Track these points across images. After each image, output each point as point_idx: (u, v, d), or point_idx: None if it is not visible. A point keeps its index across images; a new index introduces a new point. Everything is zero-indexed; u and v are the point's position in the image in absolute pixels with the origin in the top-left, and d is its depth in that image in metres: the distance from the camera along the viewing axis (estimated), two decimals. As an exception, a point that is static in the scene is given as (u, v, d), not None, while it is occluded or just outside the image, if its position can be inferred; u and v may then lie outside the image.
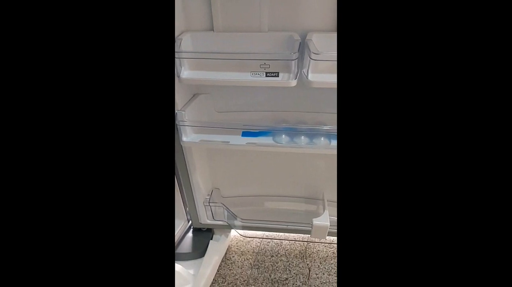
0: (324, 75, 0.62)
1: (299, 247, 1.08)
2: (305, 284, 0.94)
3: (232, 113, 0.81)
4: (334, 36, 0.64)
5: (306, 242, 1.08)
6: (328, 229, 0.88)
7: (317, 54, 0.57)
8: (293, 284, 0.94)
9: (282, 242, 1.09)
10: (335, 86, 0.61)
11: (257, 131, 0.73)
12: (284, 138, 0.72)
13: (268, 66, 0.58)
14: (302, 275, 0.97)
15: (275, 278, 0.96)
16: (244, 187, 1.01)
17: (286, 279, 0.96)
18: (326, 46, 0.64)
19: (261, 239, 1.11)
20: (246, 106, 0.80)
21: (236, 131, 0.74)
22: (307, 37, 0.62)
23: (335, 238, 1.07)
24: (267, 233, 1.11)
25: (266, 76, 0.59)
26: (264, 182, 1.00)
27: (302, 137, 0.72)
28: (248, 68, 0.60)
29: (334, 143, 0.71)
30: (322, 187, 0.98)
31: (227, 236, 1.06)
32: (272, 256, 1.04)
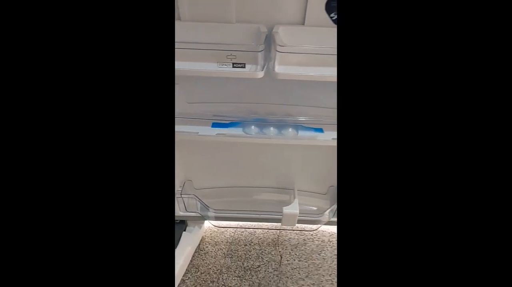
0: (291, 67, 0.64)
1: (272, 236, 1.11)
2: (276, 270, 0.98)
3: (203, 104, 0.80)
4: (301, 29, 0.66)
5: (278, 230, 1.12)
6: (298, 217, 0.92)
7: (282, 46, 0.58)
8: (265, 271, 0.98)
9: (255, 231, 1.12)
10: (301, 78, 0.63)
11: (227, 122, 0.73)
12: (253, 129, 0.74)
13: (234, 57, 0.59)
14: (274, 262, 1.01)
15: (247, 266, 0.99)
16: (216, 179, 1.02)
17: (259, 266, 0.99)
18: (293, 39, 0.66)
19: (235, 229, 1.13)
20: (216, 98, 0.80)
21: (206, 122, 0.74)
22: (274, 30, 0.63)
23: (306, 225, 1.11)
24: (241, 223, 1.13)
25: (233, 67, 0.60)
26: (236, 173, 1.02)
27: (271, 128, 0.74)
28: (215, 59, 0.60)
29: (301, 133, 0.74)
30: (293, 177, 1.02)
31: (200, 227, 1.07)
32: (246, 245, 1.07)
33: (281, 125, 0.73)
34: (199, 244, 1.06)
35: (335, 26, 0.66)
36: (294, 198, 0.94)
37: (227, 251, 1.04)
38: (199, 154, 0.94)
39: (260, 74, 0.61)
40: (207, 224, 1.11)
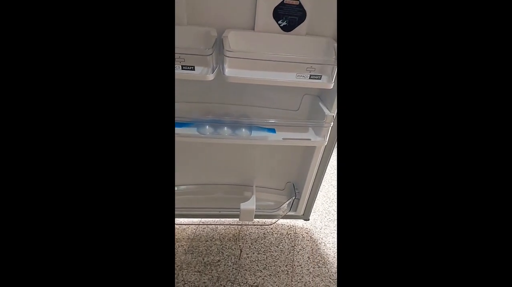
0: (241, 70, 0.66)
1: (233, 231, 1.15)
2: (235, 264, 1.02)
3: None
4: (250, 34, 0.69)
5: (239, 226, 1.16)
6: (257, 212, 0.96)
7: (230, 51, 0.61)
8: (225, 265, 1.01)
9: (217, 227, 1.15)
10: (251, 82, 0.66)
11: (182, 122, 0.75)
12: (208, 129, 0.76)
13: (183, 60, 0.60)
14: (234, 256, 1.05)
15: (208, 261, 1.02)
16: (178, 177, 1.02)
17: (219, 261, 1.02)
18: (242, 43, 0.68)
19: (196, 225, 1.14)
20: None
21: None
22: (224, 34, 0.65)
23: (266, 220, 1.16)
24: (203, 219, 1.15)
25: (182, 69, 0.61)
26: (197, 171, 1.03)
27: (225, 128, 0.76)
28: (164, 61, 0.61)
29: (254, 133, 0.78)
30: (252, 174, 1.06)
31: (161, 225, 1.07)
32: (207, 240, 1.09)
33: (235, 126, 0.76)
34: (159, 242, 1.06)
35: (283, 32, 0.70)
36: (253, 194, 0.98)
37: (188, 247, 1.06)
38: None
39: (210, 77, 0.63)
40: (169, 222, 1.12)
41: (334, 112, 0.74)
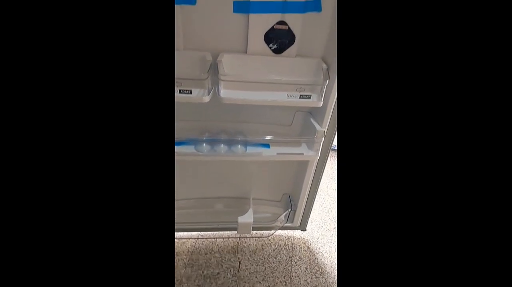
0: (235, 91, 0.70)
1: (232, 243, 1.16)
2: (235, 276, 1.03)
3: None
4: (243, 57, 0.73)
5: (238, 238, 1.18)
6: (255, 224, 0.98)
7: (224, 75, 0.65)
8: (224, 277, 1.03)
9: (216, 240, 1.17)
10: (245, 103, 0.70)
11: (180, 141, 0.78)
12: (205, 147, 0.79)
13: (181, 84, 0.64)
14: (233, 268, 1.06)
15: (207, 274, 1.03)
16: (176, 192, 1.05)
17: (218, 273, 1.04)
18: (236, 65, 0.72)
19: (196, 239, 1.16)
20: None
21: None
22: (218, 58, 0.69)
23: (264, 231, 1.19)
24: (202, 233, 1.17)
25: (180, 93, 0.65)
26: (195, 185, 1.06)
27: (222, 145, 0.80)
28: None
29: (249, 149, 0.81)
30: (249, 187, 1.08)
31: (161, 239, 1.09)
32: (206, 253, 1.11)
33: (231, 142, 0.79)
34: (159, 257, 1.08)
35: (274, 54, 0.74)
36: (250, 207, 1.00)
37: (188, 261, 1.08)
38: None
39: (206, 99, 0.67)
40: (168, 236, 1.13)
41: (325, 128, 0.78)
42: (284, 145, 0.82)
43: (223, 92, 0.68)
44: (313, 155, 0.81)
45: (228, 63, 0.70)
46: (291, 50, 0.73)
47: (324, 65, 0.72)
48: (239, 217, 0.94)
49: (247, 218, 0.94)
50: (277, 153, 0.81)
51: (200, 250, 1.13)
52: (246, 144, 0.81)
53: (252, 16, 0.67)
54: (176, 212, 1.07)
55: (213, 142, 0.79)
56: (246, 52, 0.73)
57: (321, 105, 0.72)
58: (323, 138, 0.78)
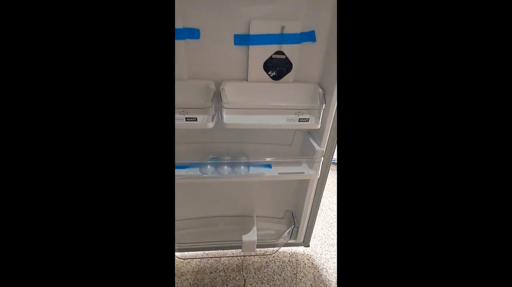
0: (238, 116, 0.74)
1: (237, 261, 1.18)
2: (240, 295, 1.04)
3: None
4: (244, 84, 0.78)
5: (242, 256, 1.19)
6: (258, 242, 1.00)
7: (227, 103, 0.69)
8: (230, 297, 1.03)
9: (220, 259, 1.18)
10: (246, 127, 0.74)
11: (184, 164, 0.81)
12: (209, 169, 0.82)
13: (187, 113, 0.68)
14: (238, 286, 1.07)
15: (213, 293, 1.04)
16: (180, 212, 1.07)
17: (223, 293, 1.04)
18: (237, 93, 0.77)
19: (200, 258, 1.17)
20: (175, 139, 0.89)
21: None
22: (221, 86, 0.74)
23: (268, 249, 1.20)
24: (206, 251, 1.18)
25: (186, 120, 0.69)
26: (200, 205, 1.08)
27: (225, 167, 0.83)
28: (170, 114, 0.69)
29: (252, 170, 0.84)
30: (252, 205, 1.11)
31: (166, 259, 1.10)
32: (211, 272, 1.12)
33: (234, 164, 0.83)
34: (165, 277, 1.08)
35: (273, 81, 0.79)
36: (254, 225, 1.03)
37: (193, 280, 1.08)
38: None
39: (210, 125, 0.71)
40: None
41: (323, 147, 0.82)
42: (285, 164, 0.86)
43: (226, 118, 0.72)
44: (313, 174, 0.85)
45: (230, 90, 0.75)
46: (289, 76, 0.78)
47: (320, 90, 0.76)
48: (243, 236, 0.96)
49: (251, 236, 0.96)
50: (279, 173, 0.84)
51: (205, 269, 1.14)
52: (248, 165, 0.84)
53: (252, 47, 0.72)
54: (180, 232, 1.09)
55: (217, 164, 0.82)
56: (247, 80, 0.78)
57: (319, 127, 0.76)
58: (323, 158, 0.82)
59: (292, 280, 1.10)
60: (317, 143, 0.84)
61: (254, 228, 0.99)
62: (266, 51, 0.74)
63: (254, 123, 0.73)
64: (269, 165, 0.86)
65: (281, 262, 1.18)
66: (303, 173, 0.84)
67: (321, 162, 0.83)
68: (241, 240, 0.97)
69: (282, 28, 0.70)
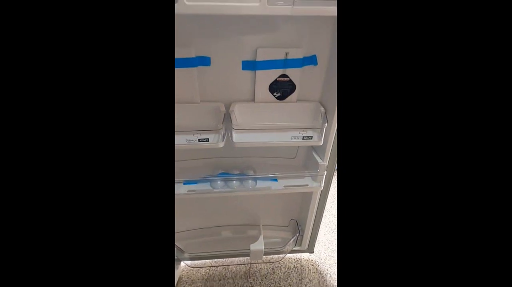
0: (246, 135, 0.80)
1: (244, 269, 1.23)
2: (249, 301, 1.09)
3: (176, 162, 0.94)
4: (251, 105, 0.84)
5: (249, 264, 1.24)
6: (265, 250, 1.05)
7: (237, 125, 0.75)
8: (239, 303, 1.08)
9: (228, 267, 1.23)
10: (255, 145, 0.80)
11: (196, 180, 0.87)
12: (219, 183, 0.88)
13: (200, 134, 0.74)
14: (247, 293, 1.12)
15: (222, 300, 1.09)
16: (190, 221, 1.13)
17: (233, 299, 1.10)
18: (245, 112, 0.83)
19: (209, 267, 1.22)
20: (185, 155, 0.94)
21: (179, 179, 0.87)
22: (231, 108, 0.80)
23: (273, 256, 1.25)
24: (215, 259, 1.23)
25: (199, 141, 0.75)
26: (208, 214, 1.14)
27: (234, 181, 0.89)
28: (184, 136, 0.74)
29: (259, 183, 0.90)
30: (258, 214, 1.16)
31: (177, 267, 1.15)
32: (220, 280, 1.17)
33: (242, 179, 0.89)
34: (176, 284, 1.13)
35: (278, 101, 0.85)
36: (260, 233, 1.08)
37: (203, 288, 1.14)
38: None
39: (221, 145, 0.77)
40: (184, 263, 1.20)
41: (326, 161, 0.88)
42: (291, 177, 0.91)
43: (236, 137, 0.78)
44: (317, 186, 0.91)
45: (238, 111, 0.81)
46: (292, 96, 0.84)
47: (322, 109, 0.82)
48: (251, 245, 1.02)
49: (258, 245, 1.01)
50: (284, 186, 0.90)
51: (214, 276, 1.19)
52: (256, 179, 0.90)
53: (258, 71, 0.79)
54: (190, 241, 1.14)
55: (226, 179, 0.88)
56: (254, 100, 0.84)
57: (321, 143, 0.82)
58: (325, 171, 0.88)
59: (298, 286, 1.15)
60: (319, 157, 0.90)
61: (261, 237, 1.05)
62: (271, 75, 0.80)
63: (261, 141, 0.79)
64: (275, 179, 0.92)
65: (286, 269, 1.23)
66: (307, 185, 0.90)
67: (324, 175, 0.89)
68: (248, 249, 1.02)
69: (286, 54, 0.76)
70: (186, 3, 0.54)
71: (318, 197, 0.98)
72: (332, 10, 0.58)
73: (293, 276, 1.20)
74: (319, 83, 0.84)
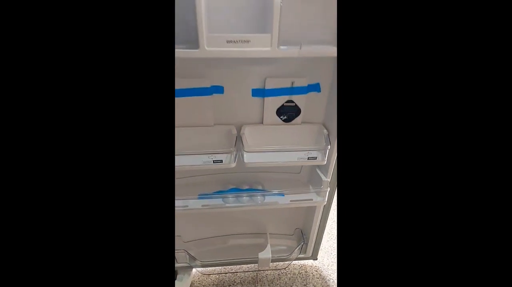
0: (255, 155, 0.88)
1: (252, 274, 1.30)
2: (257, 306, 1.17)
3: (187, 178, 1.02)
4: (260, 127, 0.92)
5: (257, 271, 1.32)
6: (272, 258, 1.13)
7: (248, 147, 0.83)
8: (247, 307, 1.16)
9: (237, 273, 1.31)
10: (264, 165, 0.87)
11: (208, 194, 0.95)
12: (231, 199, 0.96)
13: (214, 156, 0.82)
14: (254, 298, 1.20)
15: (232, 305, 1.17)
16: (201, 231, 1.21)
17: (242, 304, 1.17)
18: (255, 134, 0.91)
19: (219, 274, 1.30)
20: (198, 171, 1.02)
21: (193, 195, 0.95)
22: (242, 131, 0.88)
23: (279, 263, 1.33)
24: (225, 266, 1.31)
25: (213, 163, 0.82)
26: (218, 224, 1.22)
27: (244, 197, 0.97)
28: (200, 157, 0.82)
29: (267, 199, 0.98)
30: (265, 222, 1.24)
31: (189, 274, 1.23)
32: (229, 285, 1.25)
33: (252, 194, 0.97)
34: (189, 290, 1.22)
35: (284, 123, 0.93)
36: (267, 242, 1.16)
37: (214, 293, 1.21)
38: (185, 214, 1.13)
39: (233, 165, 0.85)
40: (195, 270, 1.28)
41: (329, 178, 0.95)
42: (296, 193, 0.99)
43: (246, 157, 0.86)
44: (321, 201, 0.98)
45: (249, 133, 0.89)
46: (298, 119, 0.92)
47: (325, 131, 0.90)
48: (259, 254, 1.09)
49: (266, 253, 1.09)
50: (291, 201, 0.97)
51: (223, 282, 1.26)
52: (264, 194, 0.98)
53: (267, 98, 0.86)
54: (202, 249, 1.22)
55: (237, 195, 0.96)
56: (263, 123, 0.92)
57: (325, 162, 0.89)
58: (329, 188, 0.95)
59: (303, 291, 1.23)
60: (323, 173, 0.97)
61: (268, 246, 1.12)
62: (278, 100, 0.88)
63: (269, 161, 0.86)
64: (282, 194, 1.00)
65: (291, 274, 1.31)
66: (312, 200, 0.98)
67: (328, 191, 0.96)
68: (255, 256, 1.10)
69: (292, 83, 0.84)
70: (207, 49, 0.62)
71: (321, 210, 1.06)
72: (333, 51, 0.65)
73: (298, 281, 1.27)
74: (322, 106, 0.92)
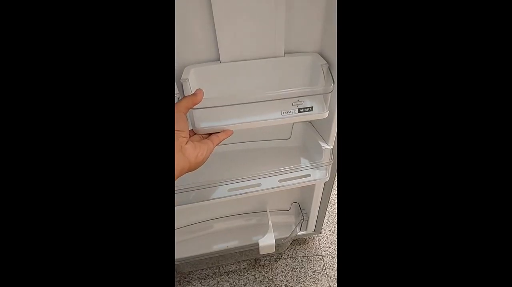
0: (212, 113, 0.53)
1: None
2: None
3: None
4: (216, 67, 0.55)
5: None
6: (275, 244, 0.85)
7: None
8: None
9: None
10: (223, 128, 0.53)
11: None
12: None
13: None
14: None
15: None
16: (193, 215, 0.92)
17: None
18: (208, 81, 0.55)
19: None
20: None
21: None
22: (183, 75, 0.51)
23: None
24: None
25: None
26: (210, 206, 0.92)
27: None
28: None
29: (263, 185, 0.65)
30: (265, 200, 0.95)
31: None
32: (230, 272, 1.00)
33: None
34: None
35: (254, 59, 0.56)
36: (269, 220, 0.88)
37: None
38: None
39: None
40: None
41: (331, 145, 0.61)
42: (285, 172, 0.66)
43: (196, 119, 0.51)
44: (321, 178, 0.66)
45: (196, 79, 0.53)
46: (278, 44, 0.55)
47: (324, 63, 0.53)
48: (259, 241, 0.81)
49: (267, 240, 0.81)
50: (279, 181, 0.65)
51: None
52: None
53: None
54: (193, 236, 0.95)
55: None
56: (220, 60, 0.55)
57: (326, 115, 0.54)
58: (332, 159, 0.62)
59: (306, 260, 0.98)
60: (322, 137, 0.63)
61: (271, 230, 0.84)
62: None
63: (231, 124, 0.52)
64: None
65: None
66: (309, 176, 0.65)
67: (331, 164, 0.63)
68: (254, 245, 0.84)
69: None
70: None
71: (322, 188, 0.74)
72: None
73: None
74: (317, 23, 0.54)
